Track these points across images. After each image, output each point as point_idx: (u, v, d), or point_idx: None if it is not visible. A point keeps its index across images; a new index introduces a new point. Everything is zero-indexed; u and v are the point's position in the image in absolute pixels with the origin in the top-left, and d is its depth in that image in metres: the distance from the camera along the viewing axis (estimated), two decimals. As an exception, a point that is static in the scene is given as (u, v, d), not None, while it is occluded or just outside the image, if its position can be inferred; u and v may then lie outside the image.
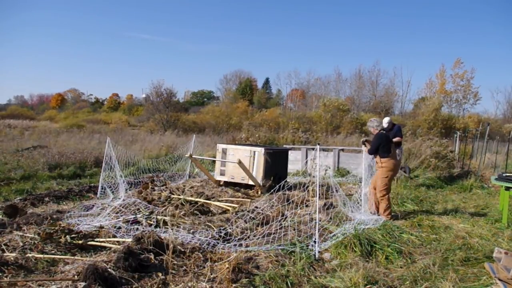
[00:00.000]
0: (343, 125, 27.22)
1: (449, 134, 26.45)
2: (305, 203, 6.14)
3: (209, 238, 4.32)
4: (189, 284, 3.20)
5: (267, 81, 59.37)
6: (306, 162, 10.70)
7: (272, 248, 4.15)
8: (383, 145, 5.90)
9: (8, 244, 3.99)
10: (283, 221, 4.88)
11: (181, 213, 5.47)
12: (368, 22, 78.10)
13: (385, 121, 8.17)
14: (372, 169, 6.56)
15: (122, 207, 5.40)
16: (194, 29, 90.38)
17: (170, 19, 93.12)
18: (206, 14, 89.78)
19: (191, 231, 4.63)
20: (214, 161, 8.97)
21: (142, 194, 6.55)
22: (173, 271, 3.44)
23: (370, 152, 6.06)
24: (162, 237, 4.00)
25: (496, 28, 62.45)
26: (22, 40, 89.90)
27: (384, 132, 6.17)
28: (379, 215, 5.87)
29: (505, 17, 59.19)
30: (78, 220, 5.04)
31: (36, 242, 4.02)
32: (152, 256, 3.63)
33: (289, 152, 10.10)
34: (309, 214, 5.60)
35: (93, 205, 5.96)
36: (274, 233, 4.50)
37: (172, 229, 4.62)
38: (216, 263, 3.65)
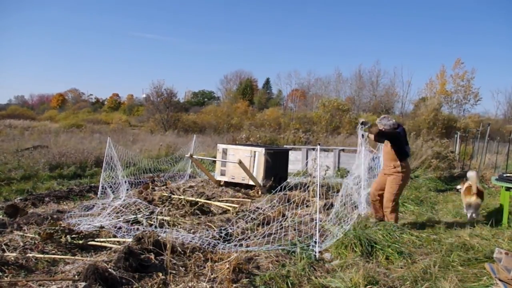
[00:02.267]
0: (343, 125, 27.23)
1: (449, 134, 26.43)
2: (306, 203, 6.13)
3: (210, 238, 4.32)
4: (190, 284, 3.20)
5: (267, 81, 59.49)
6: (307, 162, 10.70)
7: (273, 248, 4.15)
8: (400, 145, 5.14)
9: (9, 244, 4.00)
10: (284, 221, 4.88)
11: (182, 213, 5.48)
12: (368, 22, 78.03)
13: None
14: (374, 171, 6.52)
15: (123, 207, 5.41)
16: (194, 29, 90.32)
17: (170, 19, 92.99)
18: (206, 14, 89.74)
19: (192, 231, 4.63)
20: (214, 161, 8.98)
21: (143, 194, 6.57)
22: (174, 271, 3.44)
23: (377, 136, 5.30)
24: (163, 237, 4.00)
25: (496, 28, 62.42)
26: (22, 40, 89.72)
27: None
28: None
29: (505, 17, 59.10)
30: (79, 220, 5.04)
31: (36, 242, 4.03)
32: (152, 256, 3.63)
33: (290, 152, 10.10)
34: (310, 214, 5.60)
35: (94, 205, 5.96)
36: (274, 233, 4.50)
37: (172, 229, 4.62)
38: (216, 263, 3.65)
